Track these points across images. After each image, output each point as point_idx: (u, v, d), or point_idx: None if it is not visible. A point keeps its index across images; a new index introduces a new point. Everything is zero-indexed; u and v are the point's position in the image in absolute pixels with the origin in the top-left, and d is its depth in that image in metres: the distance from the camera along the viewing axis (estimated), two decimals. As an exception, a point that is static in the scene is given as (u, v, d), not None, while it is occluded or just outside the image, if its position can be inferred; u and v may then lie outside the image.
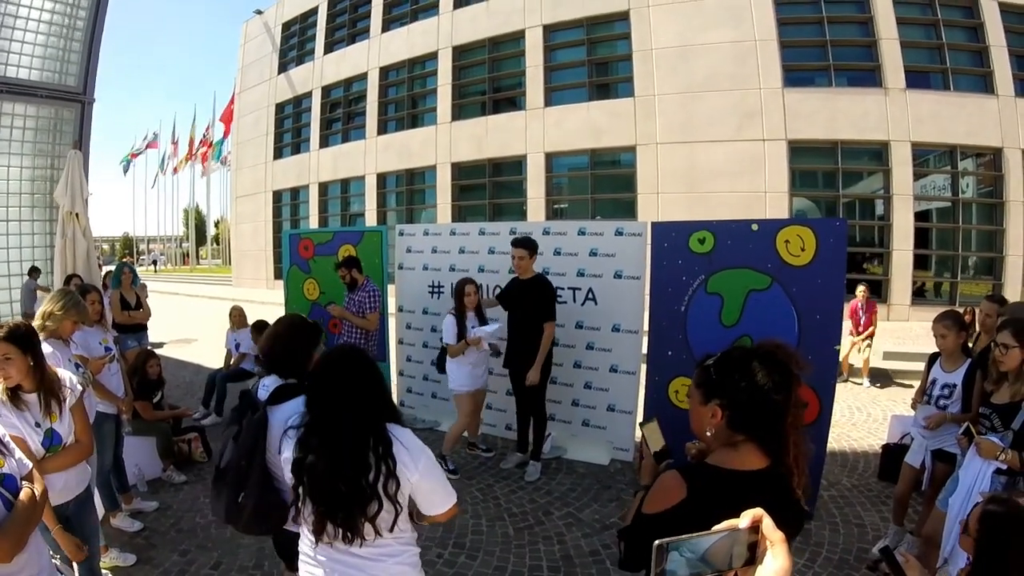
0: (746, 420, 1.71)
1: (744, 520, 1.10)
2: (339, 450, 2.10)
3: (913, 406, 4.61)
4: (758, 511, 1.12)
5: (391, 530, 2.20)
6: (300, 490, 2.15)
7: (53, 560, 2.69)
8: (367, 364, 2.30)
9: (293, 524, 2.44)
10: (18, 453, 2.37)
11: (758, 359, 1.71)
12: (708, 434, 1.79)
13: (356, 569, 2.21)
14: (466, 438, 6.65)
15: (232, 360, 8.33)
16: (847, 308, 10.01)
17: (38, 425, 2.93)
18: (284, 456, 2.23)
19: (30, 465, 2.38)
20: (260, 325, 7.65)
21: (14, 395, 2.88)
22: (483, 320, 6.11)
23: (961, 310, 6.09)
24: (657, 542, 1.05)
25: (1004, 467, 3.36)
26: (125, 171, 57.05)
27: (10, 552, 2.12)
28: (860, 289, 10.30)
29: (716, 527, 1.10)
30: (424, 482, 2.22)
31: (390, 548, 2.25)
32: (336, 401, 2.17)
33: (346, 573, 2.21)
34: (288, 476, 2.20)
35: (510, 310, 6.13)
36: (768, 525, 1.10)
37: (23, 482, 2.27)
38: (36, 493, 2.28)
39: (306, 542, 2.29)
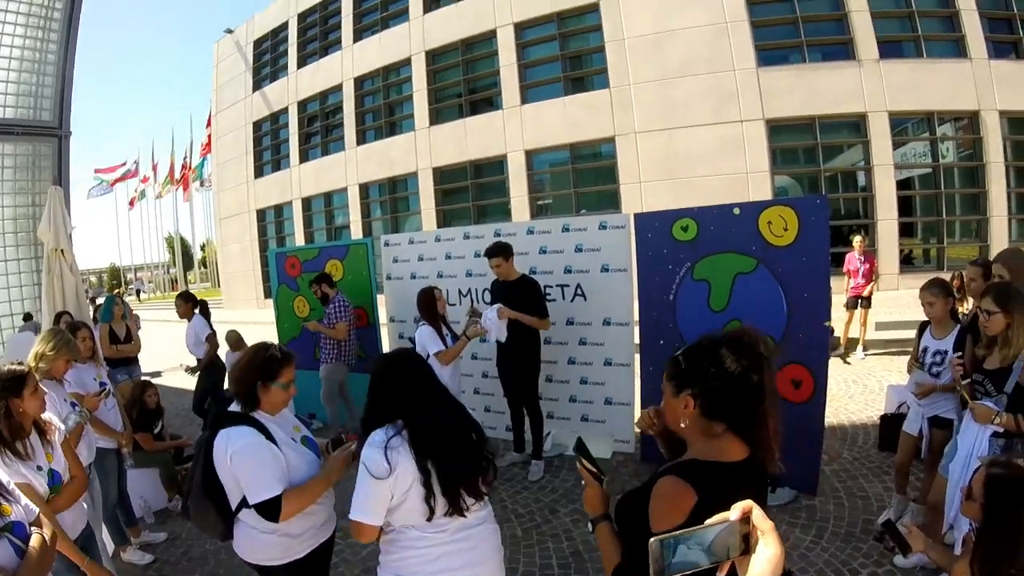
0: (719, 407, 1.70)
1: (735, 512, 1.13)
2: (463, 430, 2.55)
3: (909, 371, 4.64)
4: (748, 502, 1.14)
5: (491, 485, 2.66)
6: (436, 480, 2.38)
7: None
8: (420, 359, 2.73)
9: (280, 556, 2.75)
10: (24, 499, 2.38)
11: (726, 346, 1.69)
12: (683, 425, 1.77)
13: (481, 526, 2.62)
14: None
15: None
16: (844, 261, 10.12)
17: (39, 468, 2.94)
18: (398, 471, 2.35)
19: (37, 510, 2.39)
20: (231, 337, 7.73)
21: (15, 441, 2.89)
22: (448, 328, 5.96)
23: (948, 276, 6.12)
24: (654, 539, 1.07)
25: (1000, 430, 3.40)
26: (93, 195, 56.34)
27: None
28: (857, 239, 10.19)
29: (708, 521, 1.13)
30: None
31: (487, 508, 2.71)
32: (431, 395, 2.57)
33: (478, 533, 2.59)
34: (400, 481, 2.38)
35: None
36: (758, 515, 1.13)
37: (32, 527, 2.28)
38: (46, 537, 2.29)
39: (433, 539, 2.49)
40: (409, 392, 2.50)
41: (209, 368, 7.75)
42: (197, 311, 7.74)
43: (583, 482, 2.03)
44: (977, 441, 3.49)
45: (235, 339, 8.20)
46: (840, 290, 8.71)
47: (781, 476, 5.11)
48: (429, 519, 2.40)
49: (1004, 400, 3.43)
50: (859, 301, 9.93)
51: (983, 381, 3.60)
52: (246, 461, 2.62)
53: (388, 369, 2.59)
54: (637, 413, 5.83)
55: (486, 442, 2.63)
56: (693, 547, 1.09)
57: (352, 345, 7.43)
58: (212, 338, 7.61)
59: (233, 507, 2.72)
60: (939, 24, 16.01)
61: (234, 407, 2.83)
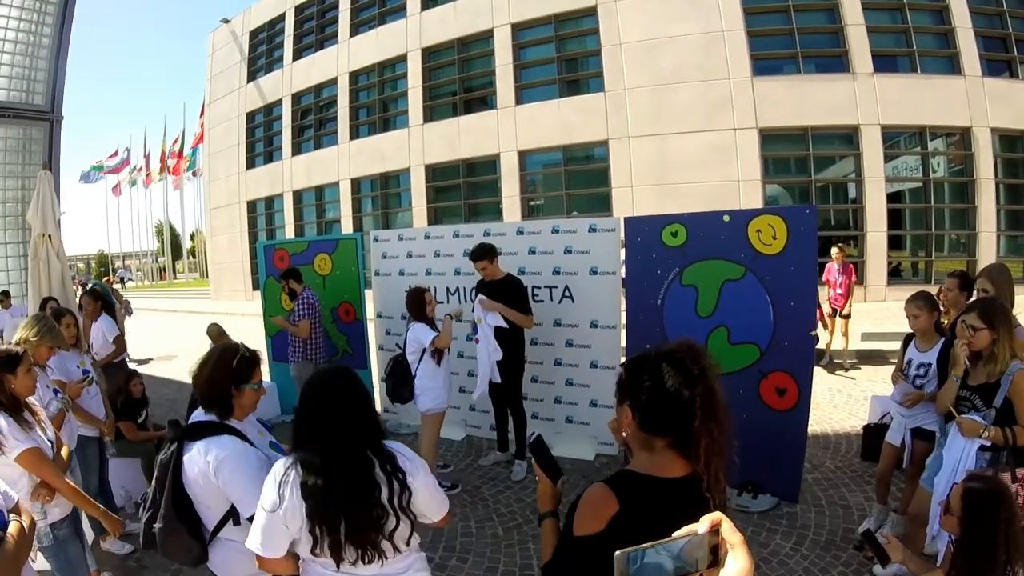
0: (654, 421, 1.69)
1: (703, 524, 1.13)
2: (348, 475, 2.12)
3: (894, 382, 4.66)
4: (717, 514, 1.15)
5: (408, 543, 2.27)
6: (316, 523, 2.11)
7: None
8: (350, 383, 2.28)
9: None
10: (2, 486, 2.41)
11: (666, 360, 1.69)
12: (625, 435, 1.80)
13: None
14: None
15: None
16: (824, 272, 10.00)
17: (42, 437, 3.13)
18: (287, 504, 2.12)
19: (16, 498, 2.43)
20: (212, 331, 7.67)
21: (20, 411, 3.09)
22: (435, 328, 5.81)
23: (935, 289, 6.15)
24: (619, 552, 1.08)
25: (988, 443, 3.42)
26: (83, 179, 56.10)
27: None
28: (834, 250, 10.02)
29: (676, 533, 1.13)
30: (424, 490, 2.26)
31: (409, 559, 2.35)
32: (329, 427, 2.16)
33: None
34: (291, 516, 2.13)
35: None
36: (727, 528, 1.13)
37: (11, 515, 2.30)
38: (24, 525, 2.31)
39: (324, 571, 2.26)
40: (322, 421, 2.19)
41: (111, 368, 7.42)
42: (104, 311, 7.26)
43: (536, 478, 2.07)
44: (964, 455, 3.50)
45: (216, 332, 7.88)
46: (821, 300, 8.73)
47: (763, 483, 5.15)
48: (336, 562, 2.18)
49: (992, 414, 3.45)
50: (836, 312, 9.84)
51: (970, 396, 3.61)
52: (238, 470, 2.44)
53: (314, 388, 2.27)
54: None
55: (403, 496, 2.18)
56: (661, 556, 1.09)
57: (318, 343, 7.30)
58: (120, 339, 7.29)
59: (212, 526, 2.57)
60: (934, 40, 16.18)
61: (200, 416, 2.65)
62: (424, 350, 5.55)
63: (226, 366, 2.61)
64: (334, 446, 2.14)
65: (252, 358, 2.70)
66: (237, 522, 2.52)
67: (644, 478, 1.70)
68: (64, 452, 3.33)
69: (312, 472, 2.10)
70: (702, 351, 1.75)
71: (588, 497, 1.71)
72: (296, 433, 2.23)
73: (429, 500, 2.30)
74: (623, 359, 6.15)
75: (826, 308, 9.76)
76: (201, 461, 2.46)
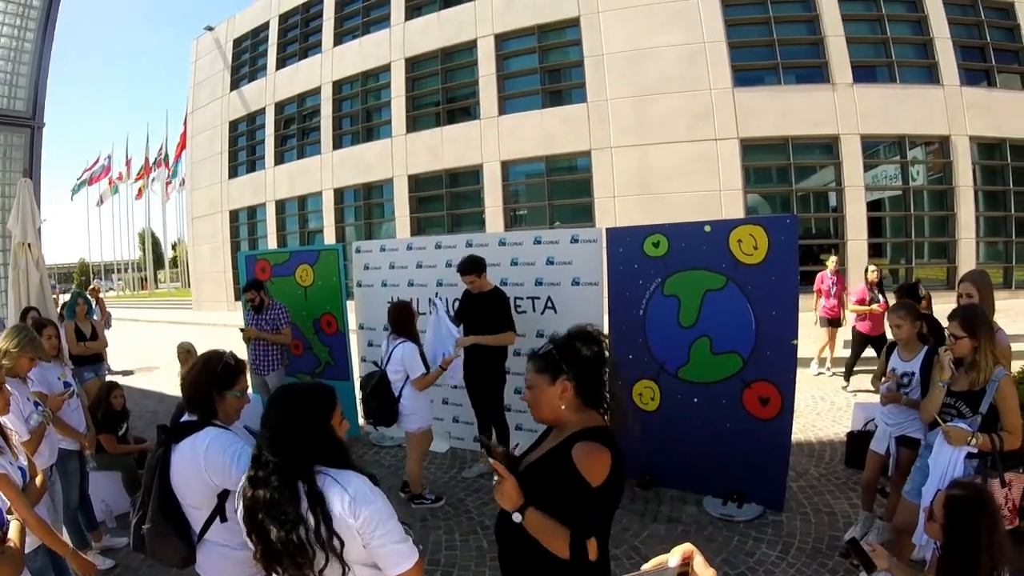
0: (590, 385, 2.23)
1: (674, 557, 1.13)
2: (271, 498, 1.98)
3: (875, 387, 4.68)
4: (688, 547, 1.15)
5: None
6: (248, 529, 2.05)
7: None
8: (301, 402, 2.14)
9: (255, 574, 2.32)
10: None
11: (580, 339, 2.26)
12: (563, 408, 2.22)
13: None
14: (410, 493, 5.80)
15: None
16: (816, 279, 10.05)
17: (11, 463, 2.95)
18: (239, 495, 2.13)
19: (7, 503, 2.48)
20: (183, 348, 7.48)
21: None
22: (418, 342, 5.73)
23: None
24: None
25: (975, 451, 3.44)
26: (73, 196, 55.87)
27: None
28: (831, 259, 10.07)
29: (644, 567, 1.14)
30: (369, 538, 1.98)
31: None
32: (269, 446, 2.04)
33: None
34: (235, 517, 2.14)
35: (468, 323, 6.08)
36: (700, 563, 1.13)
37: (9, 516, 2.36)
38: (25, 524, 2.39)
39: None
40: (265, 433, 2.09)
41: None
42: None
43: (495, 479, 2.14)
44: (951, 462, 3.51)
45: (184, 351, 7.22)
46: (807, 308, 8.73)
47: (748, 492, 5.16)
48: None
49: (978, 420, 3.47)
50: (831, 322, 9.83)
51: (955, 403, 3.63)
52: (220, 446, 2.51)
53: (274, 401, 2.16)
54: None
55: (330, 539, 1.94)
56: None
57: (287, 351, 7.43)
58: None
59: (199, 527, 2.60)
60: (913, 51, 16.42)
61: (187, 417, 2.70)
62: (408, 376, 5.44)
63: (211, 371, 2.71)
64: (264, 462, 2.02)
65: (237, 366, 2.79)
66: (224, 519, 2.57)
67: (598, 430, 2.19)
68: (39, 480, 3.20)
69: (249, 482, 2.05)
70: (595, 327, 2.35)
71: (590, 454, 2.09)
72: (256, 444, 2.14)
73: (379, 548, 1.99)
74: (607, 371, 6.15)
75: (814, 316, 9.86)
76: (186, 453, 2.53)
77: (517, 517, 2.07)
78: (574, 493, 2.04)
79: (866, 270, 9.22)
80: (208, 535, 2.62)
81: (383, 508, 2.03)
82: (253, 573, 2.37)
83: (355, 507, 1.97)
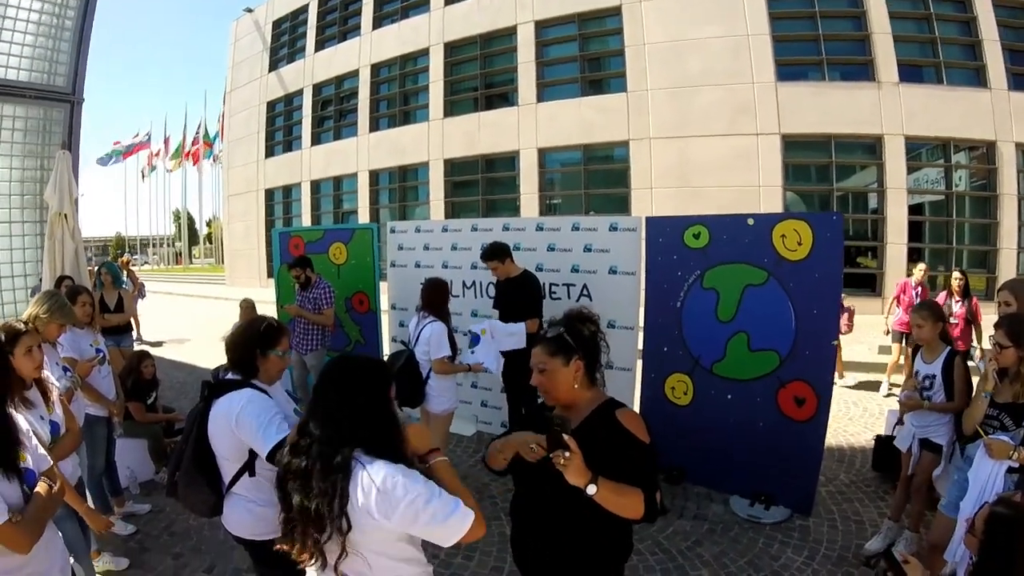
0: (594, 361, 2.44)
1: None
2: (304, 467, 1.97)
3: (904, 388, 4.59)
4: None
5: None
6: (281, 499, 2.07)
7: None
8: (354, 376, 2.09)
9: (275, 530, 2.21)
10: (40, 448, 2.47)
11: (580, 320, 2.46)
12: (576, 388, 2.37)
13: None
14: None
15: None
16: (897, 287, 9.55)
17: (42, 418, 3.02)
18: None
19: (50, 461, 2.50)
20: (245, 304, 7.70)
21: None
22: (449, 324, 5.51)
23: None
24: None
25: (1016, 465, 3.30)
26: (102, 163, 56.37)
27: (28, 544, 2.19)
28: (921, 267, 9.44)
29: None
30: (409, 528, 1.98)
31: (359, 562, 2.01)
32: (315, 417, 2.02)
33: None
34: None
35: (501, 308, 6.03)
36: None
37: (41, 476, 2.37)
38: (54, 487, 2.38)
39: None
40: (314, 403, 2.08)
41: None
42: None
43: (567, 454, 2.05)
44: (991, 476, 3.38)
45: (247, 307, 7.89)
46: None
47: (777, 494, 5.06)
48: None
49: (1021, 434, 3.34)
50: (904, 337, 8.73)
51: (998, 415, 3.51)
52: (254, 411, 2.60)
53: (329, 371, 2.14)
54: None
55: (340, 517, 1.90)
56: None
57: (329, 332, 7.34)
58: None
59: (228, 479, 2.74)
60: (960, 52, 15.98)
61: (229, 376, 2.83)
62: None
63: (255, 330, 2.86)
64: (309, 431, 2.01)
65: (279, 328, 2.94)
66: (252, 473, 2.70)
67: (616, 401, 2.44)
68: (71, 435, 3.24)
69: (290, 448, 2.07)
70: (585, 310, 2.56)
71: (634, 417, 2.36)
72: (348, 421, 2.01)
73: (425, 533, 2.02)
74: (639, 362, 6.07)
75: (885, 327, 9.45)
76: (223, 410, 2.65)
77: (592, 489, 2.07)
78: (635, 455, 2.24)
79: (915, 270, 8.96)
80: (235, 488, 2.76)
81: (417, 497, 1.91)
82: (274, 530, 2.25)
83: (385, 505, 1.89)
